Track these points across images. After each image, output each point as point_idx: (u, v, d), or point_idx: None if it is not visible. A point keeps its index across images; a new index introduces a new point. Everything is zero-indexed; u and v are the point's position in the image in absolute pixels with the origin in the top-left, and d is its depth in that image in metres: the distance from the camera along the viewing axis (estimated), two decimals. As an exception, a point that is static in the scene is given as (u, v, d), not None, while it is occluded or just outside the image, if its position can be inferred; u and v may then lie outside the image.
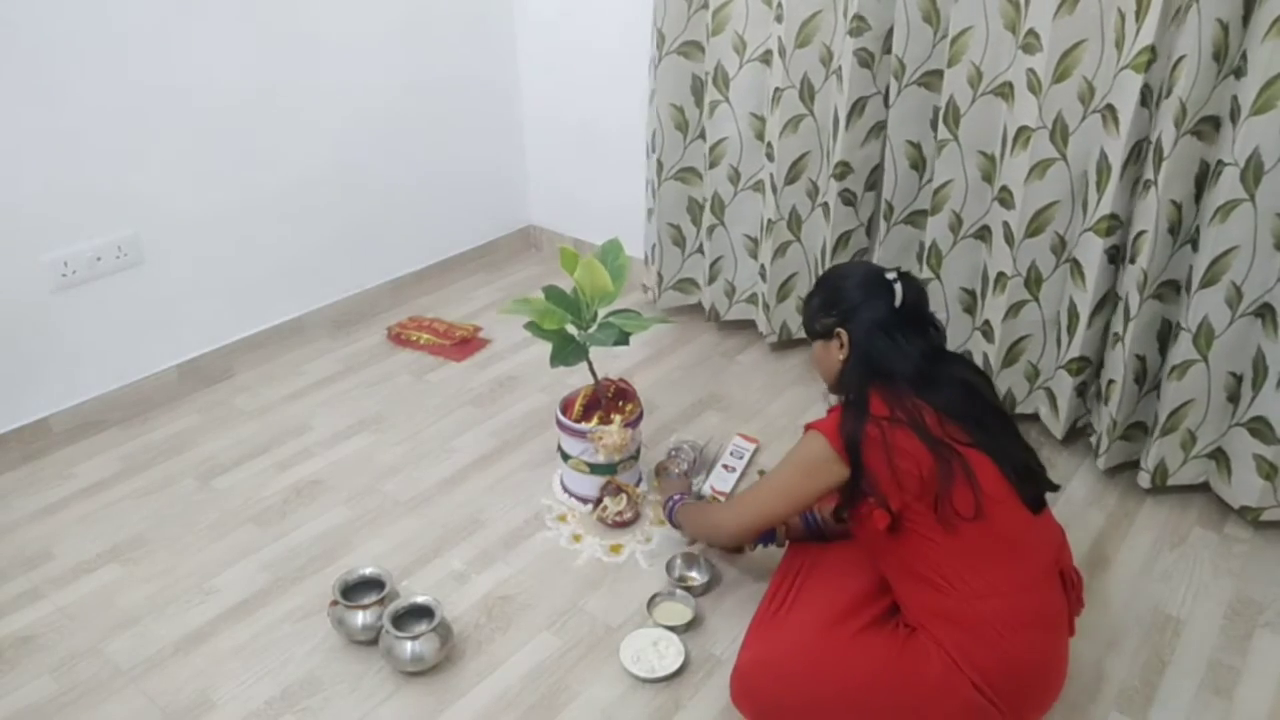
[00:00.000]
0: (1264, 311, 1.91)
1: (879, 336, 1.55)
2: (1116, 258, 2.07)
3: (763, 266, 2.64)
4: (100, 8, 2.17)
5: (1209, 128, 1.85)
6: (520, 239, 3.45)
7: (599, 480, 2.09)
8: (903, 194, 2.38)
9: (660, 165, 2.70)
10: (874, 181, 2.44)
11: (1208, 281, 1.91)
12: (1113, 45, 1.90)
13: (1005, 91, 2.10)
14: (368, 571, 1.83)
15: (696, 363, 2.73)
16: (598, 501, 2.08)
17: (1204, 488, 2.14)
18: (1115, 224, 2.00)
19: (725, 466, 2.24)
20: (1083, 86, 1.96)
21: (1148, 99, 1.88)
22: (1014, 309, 2.23)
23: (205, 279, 2.56)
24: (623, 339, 1.97)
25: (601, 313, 2.02)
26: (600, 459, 2.05)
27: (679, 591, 1.85)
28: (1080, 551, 1.98)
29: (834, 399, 1.68)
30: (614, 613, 1.85)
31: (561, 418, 2.06)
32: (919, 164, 2.35)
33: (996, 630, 1.42)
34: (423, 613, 1.74)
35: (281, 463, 2.31)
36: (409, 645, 1.68)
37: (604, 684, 1.70)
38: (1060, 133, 2.02)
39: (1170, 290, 2.02)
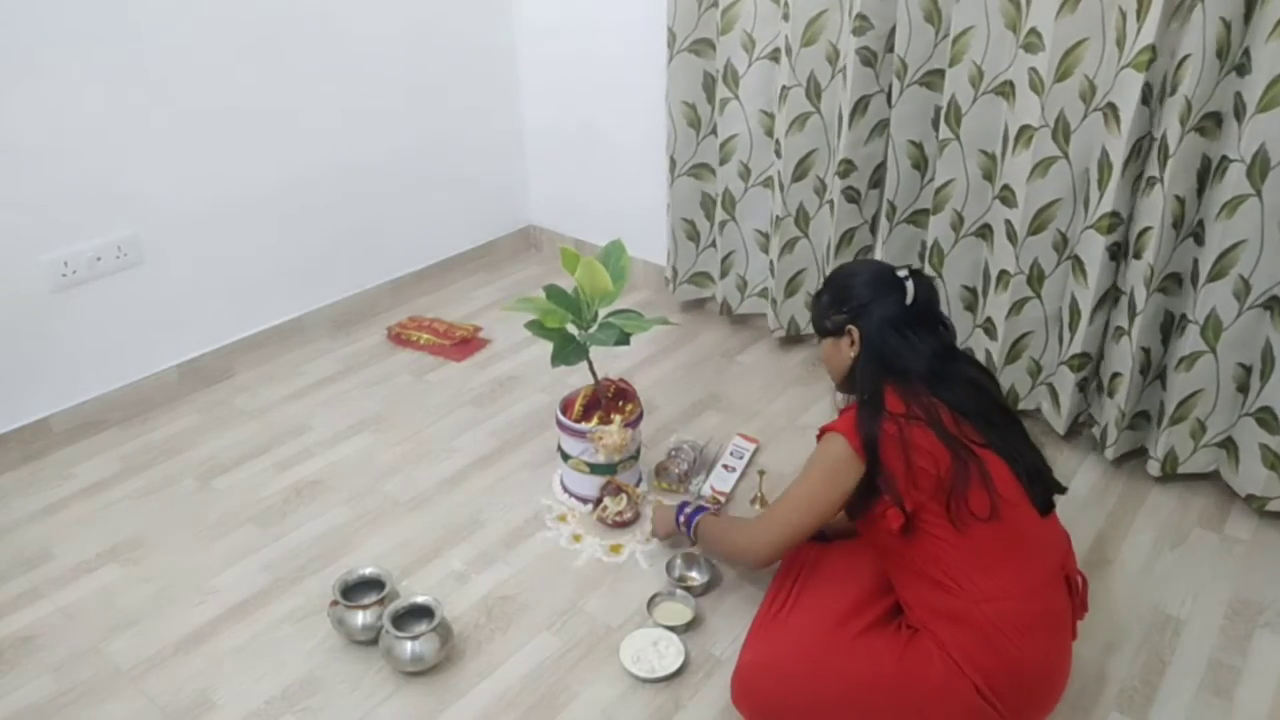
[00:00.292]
0: (1272, 304, 1.94)
1: (891, 334, 1.54)
2: (1118, 254, 2.07)
3: (771, 262, 2.65)
4: (100, 8, 2.17)
5: (1210, 124, 1.87)
6: (520, 239, 3.45)
7: (599, 480, 2.09)
8: (905, 193, 2.38)
9: (673, 161, 2.71)
10: (878, 179, 2.45)
11: (1215, 275, 1.93)
12: (1114, 44, 1.91)
13: (1006, 91, 2.10)
14: (368, 571, 1.83)
15: (697, 363, 2.73)
16: (598, 501, 2.08)
17: (1208, 479, 2.17)
18: (1116, 221, 2.01)
19: (725, 466, 2.24)
20: (1084, 85, 1.97)
21: (1149, 97, 1.89)
22: (1016, 306, 2.24)
23: (205, 279, 2.56)
24: (623, 339, 1.97)
25: (602, 313, 2.02)
26: (600, 459, 2.04)
27: (679, 591, 1.85)
28: (1081, 551, 1.98)
29: (843, 401, 1.67)
30: (614, 613, 1.85)
31: (561, 418, 2.06)
32: (921, 163, 2.35)
33: (1002, 633, 1.42)
34: (423, 613, 1.74)
35: (281, 463, 2.31)
36: (409, 645, 1.68)
37: (604, 684, 1.70)
38: (1062, 131, 2.02)
39: (1173, 283, 2.04)
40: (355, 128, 2.79)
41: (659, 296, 3.07)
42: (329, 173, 2.76)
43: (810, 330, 2.72)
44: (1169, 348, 2.11)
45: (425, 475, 2.26)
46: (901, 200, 2.38)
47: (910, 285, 1.56)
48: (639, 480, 2.19)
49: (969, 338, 2.43)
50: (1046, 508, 1.54)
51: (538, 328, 1.99)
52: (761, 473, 2.16)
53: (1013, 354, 2.31)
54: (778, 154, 2.49)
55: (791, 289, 2.67)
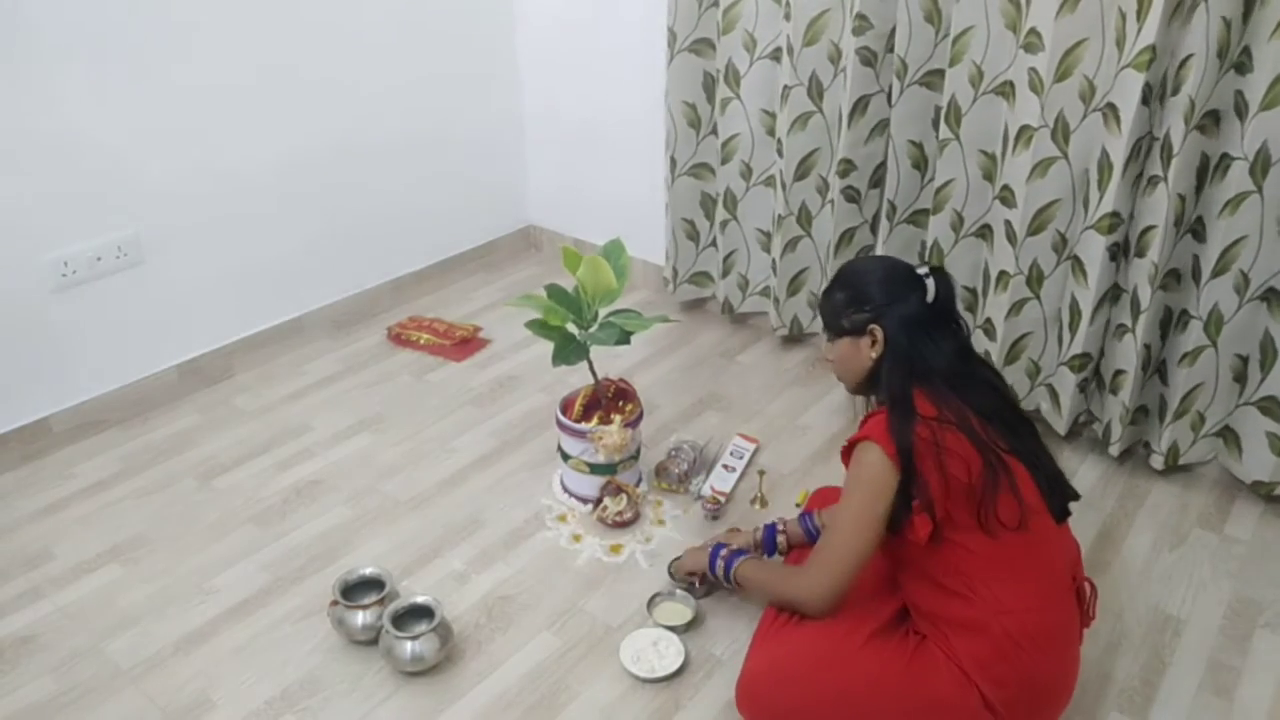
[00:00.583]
0: (1269, 295, 1.96)
1: (916, 333, 1.49)
2: (1118, 254, 2.07)
3: (774, 261, 2.65)
4: (100, 8, 2.17)
5: (1210, 122, 1.88)
6: (520, 239, 3.45)
7: (599, 480, 2.09)
8: (905, 193, 2.38)
9: (674, 161, 2.71)
10: (878, 179, 2.45)
11: (1218, 271, 1.95)
12: (1113, 44, 1.91)
13: (1006, 91, 2.10)
14: (368, 571, 1.83)
15: (697, 363, 2.73)
16: (598, 501, 2.08)
17: (1208, 479, 2.19)
18: (1117, 221, 2.01)
19: (725, 466, 2.23)
20: (1084, 85, 1.97)
21: (1149, 97, 1.89)
22: (1016, 307, 2.24)
23: (205, 279, 2.56)
24: (624, 338, 1.97)
25: (602, 312, 2.02)
26: (600, 459, 2.04)
27: (679, 591, 1.85)
28: (1083, 550, 1.98)
29: (864, 407, 1.62)
30: (614, 613, 1.85)
31: (561, 418, 2.06)
32: (920, 163, 2.35)
33: (1019, 645, 1.40)
34: (423, 613, 1.74)
35: (281, 463, 2.31)
36: (409, 645, 1.68)
37: (604, 684, 1.70)
38: (1062, 131, 2.02)
39: (1173, 280, 2.05)
40: (355, 128, 2.79)
41: (659, 296, 3.07)
42: (329, 173, 2.76)
43: (812, 330, 2.72)
44: (1168, 343, 2.12)
45: (425, 475, 2.26)
46: (901, 200, 2.39)
47: (931, 283, 1.51)
48: (639, 480, 2.19)
49: (969, 338, 2.43)
50: (1063, 515, 1.51)
51: (539, 327, 1.99)
52: (761, 473, 2.16)
53: (1012, 355, 2.31)
54: (780, 153, 2.49)
55: (794, 288, 2.67)
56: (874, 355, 1.53)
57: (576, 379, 2.26)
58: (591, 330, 2.00)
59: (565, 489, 2.17)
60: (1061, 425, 2.28)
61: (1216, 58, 1.79)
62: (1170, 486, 2.18)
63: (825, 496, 1.92)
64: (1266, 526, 2.06)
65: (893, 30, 2.23)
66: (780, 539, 1.85)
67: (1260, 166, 1.84)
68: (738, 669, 1.60)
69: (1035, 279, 2.20)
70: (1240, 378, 2.07)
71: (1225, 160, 1.88)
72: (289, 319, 2.80)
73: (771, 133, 2.55)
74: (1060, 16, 1.91)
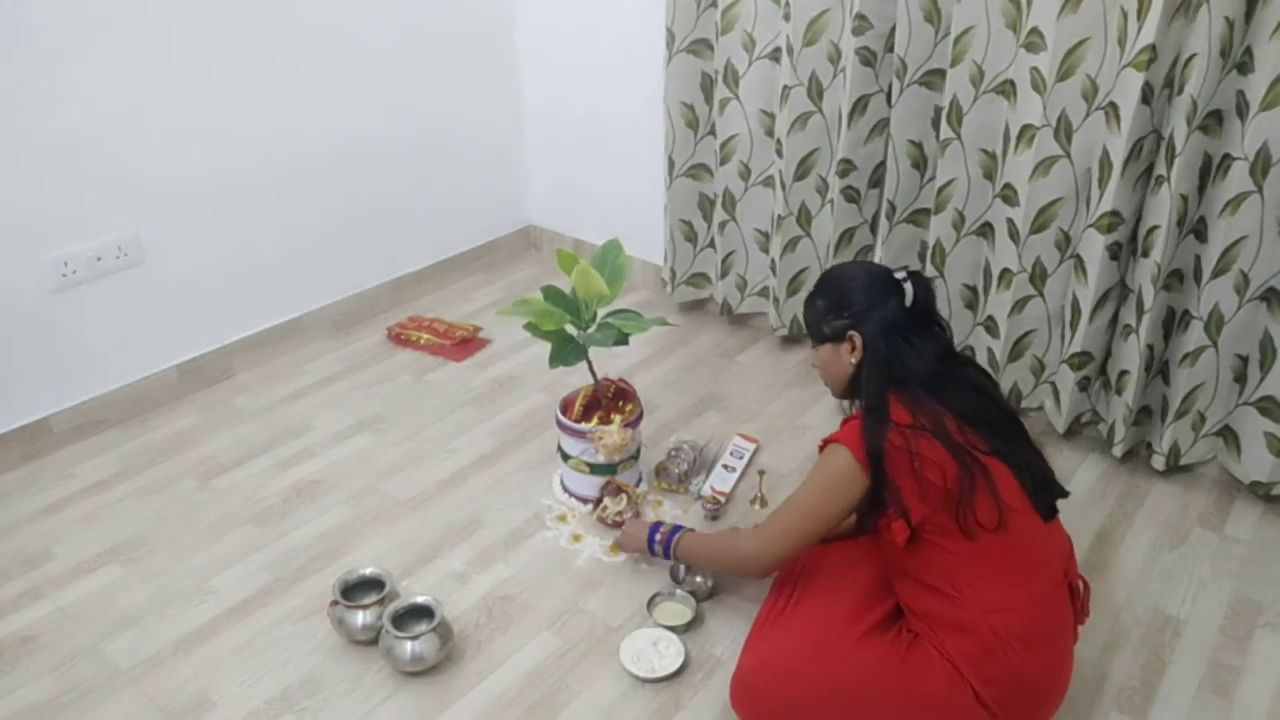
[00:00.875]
0: (1269, 295, 1.96)
1: (894, 338, 1.50)
2: (1119, 254, 2.07)
3: (773, 261, 2.65)
4: (100, 8, 2.17)
5: (1213, 122, 1.88)
6: (520, 239, 3.45)
7: (599, 480, 2.09)
8: (904, 193, 2.38)
9: (671, 162, 2.70)
10: (877, 179, 2.45)
11: (1219, 271, 1.95)
12: (1115, 43, 1.91)
13: (1007, 90, 2.10)
14: (368, 571, 1.83)
15: (696, 363, 2.73)
16: (598, 501, 2.08)
17: (1208, 479, 2.19)
18: (1116, 220, 2.01)
19: (725, 466, 2.23)
20: (1086, 84, 1.97)
21: (1149, 96, 1.89)
22: (1019, 304, 2.24)
23: (205, 279, 2.56)
24: (622, 340, 1.97)
25: (601, 313, 2.02)
26: (600, 459, 2.04)
27: (679, 591, 1.85)
28: (1081, 551, 1.98)
29: (847, 408, 1.64)
30: (614, 613, 1.85)
31: (561, 418, 2.06)
32: (920, 163, 2.35)
33: (1008, 644, 1.41)
34: (423, 613, 1.74)
35: (281, 463, 2.31)
36: (409, 645, 1.68)
37: (604, 684, 1.70)
38: (1064, 130, 2.02)
39: (1175, 280, 2.05)
40: (356, 128, 2.79)
41: (658, 296, 3.07)
42: (329, 172, 2.76)
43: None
44: (1170, 343, 2.12)
45: (425, 475, 2.26)
46: (901, 200, 2.39)
47: (909, 287, 1.52)
48: (639, 480, 2.19)
49: (969, 335, 2.43)
50: (1050, 514, 1.52)
51: (536, 329, 1.99)
52: (761, 473, 2.16)
53: (1015, 352, 2.31)
54: (779, 153, 2.49)
55: (794, 288, 2.67)
56: (854, 361, 1.55)
57: (576, 379, 2.26)
58: (589, 331, 2.00)
59: (565, 489, 2.17)
60: (1061, 423, 2.28)
61: (1219, 57, 1.79)
62: (1170, 486, 2.18)
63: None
64: (1266, 526, 2.06)
65: (892, 30, 2.23)
66: None
67: (1260, 167, 1.84)
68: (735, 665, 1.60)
69: (1038, 276, 2.20)
70: (1240, 378, 2.07)
71: (1226, 160, 1.88)
72: (289, 319, 2.80)
73: (770, 133, 2.55)
74: (1063, 16, 1.91)
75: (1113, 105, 1.94)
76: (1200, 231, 1.98)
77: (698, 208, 2.79)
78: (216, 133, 2.47)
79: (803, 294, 2.67)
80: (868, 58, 2.27)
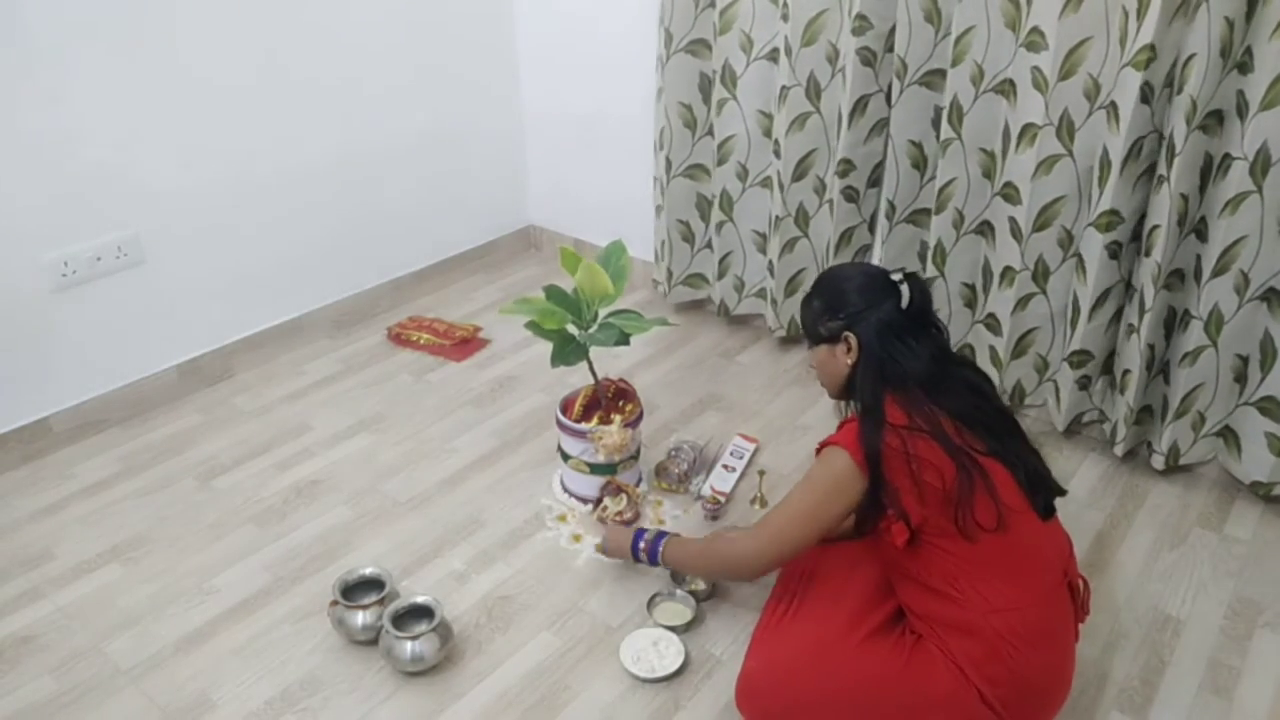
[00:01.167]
0: (1269, 296, 1.96)
1: (890, 340, 1.50)
2: (1119, 253, 2.07)
3: (770, 262, 2.65)
4: (100, 8, 2.17)
5: (1213, 122, 1.88)
6: (520, 239, 3.45)
7: (599, 480, 2.09)
8: (904, 193, 2.38)
9: (669, 163, 2.70)
10: (876, 179, 2.45)
11: (1218, 271, 1.95)
12: (1116, 43, 1.91)
13: (1007, 90, 2.10)
14: (368, 571, 1.83)
15: (696, 363, 2.73)
16: (598, 501, 2.08)
17: (1207, 479, 2.19)
18: (1115, 219, 2.01)
19: (725, 466, 2.23)
20: (1088, 84, 1.97)
21: (1149, 96, 1.89)
22: (1022, 302, 2.24)
23: (205, 279, 2.56)
24: (623, 339, 1.97)
25: (602, 313, 2.02)
26: (600, 459, 2.04)
27: (679, 591, 1.85)
28: (1081, 551, 1.98)
29: (844, 410, 1.64)
30: (614, 613, 1.85)
31: (561, 418, 2.06)
32: (920, 163, 2.35)
33: (1009, 644, 1.41)
34: (423, 613, 1.74)
35: (281, 463, 2.31)
36: (409, 645, 1.68)
37: (604, 684, 1.70)
38: (1066, 129, 2.02)
39: (1176, 279, 2.05)
40: (355, 128, 2.79)
41: (659, 296, 3.07)
42: (329, 173, 2.76)
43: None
44: (1171, 343, 2.12)
45: (425, 475, 2.26)
46: (901, 200, 2.39)
47: (905, 289, 1.52)
48: (639, 480, 2.19)
49: (969, 333, 2.43)
50: (1048, 513, 1.52)
51: (537, 328, 1.99)
52: (761, 473, 2.16)
53: (1019, 350, 2.32)
54: (777, 154, 2.49)
55: (791, 289, 2.67)
56: (850, 362, 1.55)
57: (576, 379, 2.26)
58: (591, 331, 2.00)
59: (565, 489, 2.17)
60: (1060, 421, 2.28)
61: (1219, 57, 1.79)
62: (1170, 486, 2.18)
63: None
64: (1266, 526, 2.06)
65: (892, 30, 2.23)
66: None
67: (1260, 166, 1.84)
68: (737, 669, 1.60)
69: (1041, 274, 2.20)
70: (1240, 378, 2.07)
71: (1227, 160, 1.88)
72: (289, 319, 2.80)
73: (768, 134, 2.55)
74: (1064, 15, 1.91)
75: (1113, 104, 1.94)
76: (1200, 231, 1.98)
77: (695, 208, 2.79)
78: (217, 134, 2.46)
79: (801, 295, 2.67)
80: (868, 58, 2.27)
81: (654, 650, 1.73)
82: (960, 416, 1.46)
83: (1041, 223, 2.14)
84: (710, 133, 2.65)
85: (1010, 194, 2.16)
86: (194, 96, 2.39)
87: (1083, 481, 2.21)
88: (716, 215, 2.72)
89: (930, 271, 2.37)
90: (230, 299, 2.64)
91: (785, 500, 1.58)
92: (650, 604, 1.83)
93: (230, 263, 2.60)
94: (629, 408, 2.10)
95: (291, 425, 2.45)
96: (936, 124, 2.28)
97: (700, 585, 1.88)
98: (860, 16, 2.21)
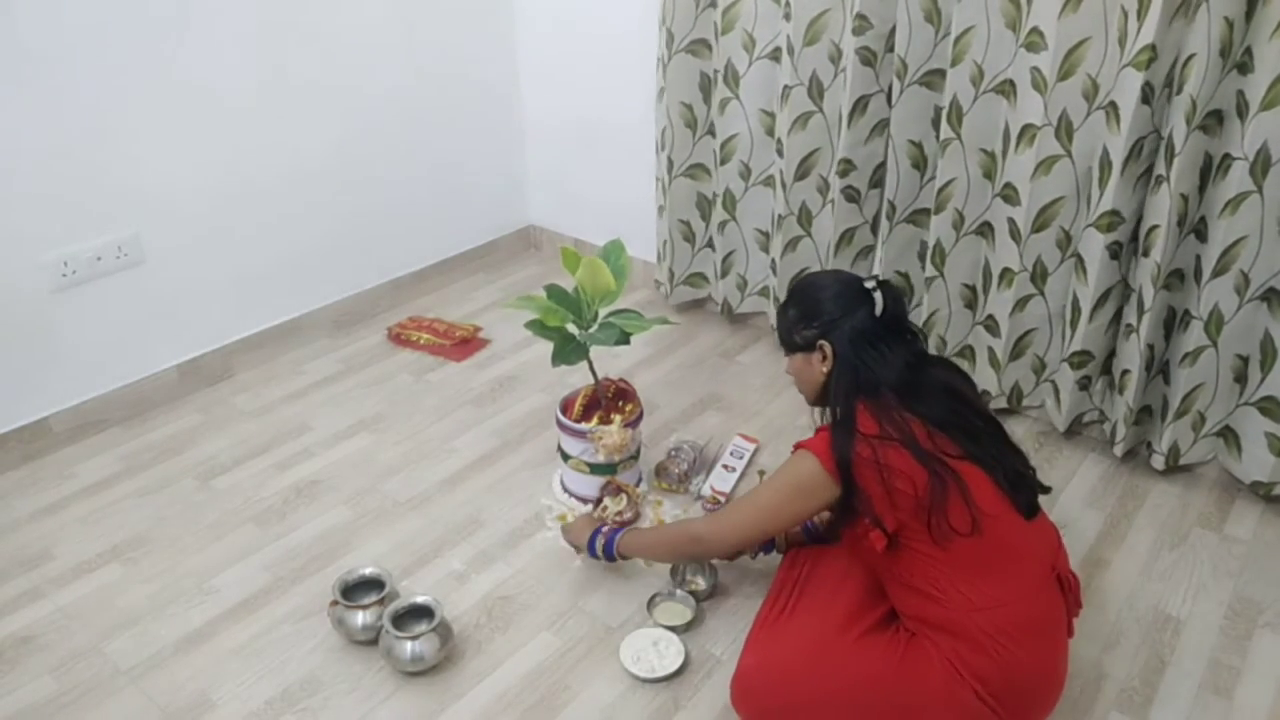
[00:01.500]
0: (1269, 296, 1.96)
1: (863, 348, 1.52)
2: (1119, 253, 2.08)
3: (773, 261, 2.65)
4: (100, 8, 2.17)
5: (1213, 122, 1.88)
6: (520, 239, 3.45)
7: (599, 480, 2.09)
8: (904, 193, 2.38)
9: (670, 162, 2.71)
10: (878, 179, 2.45)
11: (1218, 271, 1.95)
12: (1116, 43, 1.91)
13: (1006, 90, 2.10)
14: (368, 571, 1.83)
15: (696, 363, 2.73)
16: (598, 501, 2.08)
17: (1207, 479, 2.19)
18: (1116, 220, 2.01)
19: (725, 466, 2.23)
20: (1087, 84, 1.97)
21: (1149, 96, 1.89)
22: (1020, 303, 2.24)
23: (205, 279, 2.56)
24: (624, 339, 1.97)
25: (602, 313, 2.02)
26: (600, 459, 2.04)
27: (679, 591, 1.85)
28: (1081, 551, 1.99)
29: (822, 416, 1.64)
30: (614, 613, 1.85)
31: (561, 418, 2.06)
32: (920, 163, 2.35)
33: (997, 640, 1.41)
34: (423, 613, 1.74)
35: (281, 463, 2.31)
36: (409, 645, 1.68)
37: (604, 684, 1.70)
38: (1065, 130, 2.02)
39: (1176, 279, 2.05)
40: (355, 127, 2.79)
41: (658, 296, 3.07)
42: (329, 173, 2.76)
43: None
44: (1171, 343, 2.12)
45: (425, 475, 2.26)
46: (901, 200, 2.39)
47: (879, 296, 1.53)
48: (639, 480, 2.19)
49: (969, 334, 2.43)
50: (1031, 512, 1.52)
51: (538, 327, 1.99)
52: (761, 473, 2.16)
53: (1017, 351, 2.32)
54: (780, 153, 2.49)
55: (794, 288, 2.67)
56: (825, 370, 1.56)
57: (576, 379, 2.26)
58: (591, 330, 2.00)
59: (565, 489, 2.17)
60: (1061, 422, 2.28)
61: (1219, 57, 1.79)
62: (1170, 486, 2.18)
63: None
64: (1266, 526, 2.06)
65: (892, 30, 2.23)
66: (778, 538, 1.86)
67: (1260, 166, 1.84)
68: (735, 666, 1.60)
69: (1039, 275, 2.20)
70: (1240, 378, 2.07)
71: (1227, 160, 1.88)
72: (289, 319, 2.80)
73: (771, 133, 2.55)
74: (1064, 15, 1.91)
75: (1113, 105, 1.94)
76: (1200, 231, 1.98)
77: (696, 207, 2.79)
78: (217, 134, 2.46)
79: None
80: (868, 58, 2.27)
81: (654, 650, 1.73)
82: (935, 422, 1.47)
83: (1040, 223, 2.13)
84: (711, 132, 2.65)
85: (1009, 195, 2.16)
86: (195, 96, 2.39)
87: (1083, 481, 2.21)
88: (719, 214, 2.72)
89: (930, 272, 2.37)
90: (230, 299, 2.64)
91: (752, 493, 1.65)
92: (650, 604, 1.83)
93: (230, 263, 2.60)
94: (629, 408, 2.10)
95: (291, 425, 2.45)
96: (936, 124, 2.28)
97: (701, 584, 1.89)
98: (860, 16, 2.21)
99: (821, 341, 1.56)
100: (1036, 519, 1.54)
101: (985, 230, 2.29)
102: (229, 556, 2.01)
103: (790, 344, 1.63)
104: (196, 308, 2.57)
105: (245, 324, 2.71)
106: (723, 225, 2.73)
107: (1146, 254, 2.01)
